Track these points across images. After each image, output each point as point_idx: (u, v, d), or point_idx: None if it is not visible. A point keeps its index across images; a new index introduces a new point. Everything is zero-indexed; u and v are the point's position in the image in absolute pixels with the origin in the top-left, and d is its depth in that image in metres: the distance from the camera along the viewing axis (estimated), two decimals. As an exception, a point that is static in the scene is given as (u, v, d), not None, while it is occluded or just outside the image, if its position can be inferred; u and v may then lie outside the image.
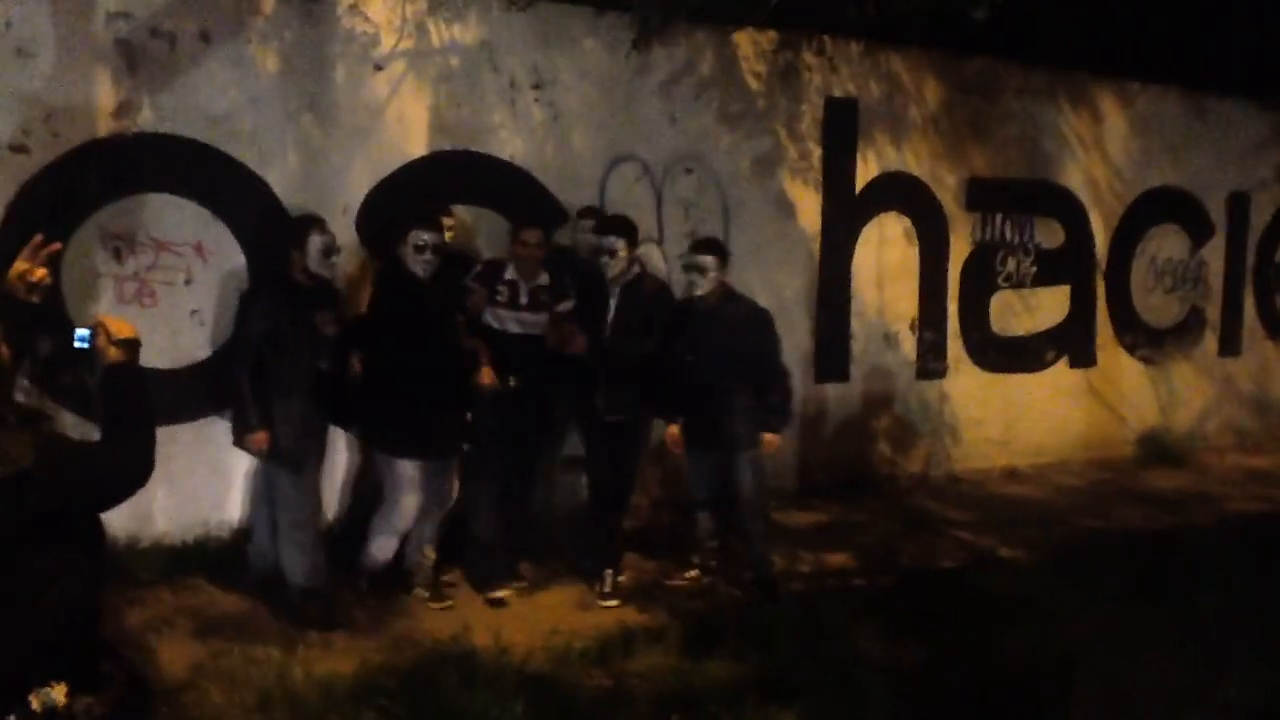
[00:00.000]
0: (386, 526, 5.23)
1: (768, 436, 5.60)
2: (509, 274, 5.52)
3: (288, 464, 5.03)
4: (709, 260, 5.60)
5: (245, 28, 5.73)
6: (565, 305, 5.61)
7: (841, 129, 7.66)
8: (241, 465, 5.87)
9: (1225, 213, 9.77)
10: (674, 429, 5.72)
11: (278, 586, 5.13)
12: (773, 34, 7.22)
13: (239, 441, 5.11)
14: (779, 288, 7.39)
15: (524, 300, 5.51)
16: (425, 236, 5.16)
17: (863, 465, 7.92)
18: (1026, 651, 4.70)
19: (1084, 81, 8.77)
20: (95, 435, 2.42)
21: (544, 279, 5.55)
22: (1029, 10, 7.22)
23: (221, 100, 5.70)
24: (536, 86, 6.49)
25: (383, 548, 5.28)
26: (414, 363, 5.09)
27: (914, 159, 8.00)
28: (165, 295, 5.67)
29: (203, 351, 5.76)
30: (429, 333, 5.18)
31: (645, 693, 4.30)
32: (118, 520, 5.09)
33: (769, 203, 7.38)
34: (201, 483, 5.80)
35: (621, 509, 5.87)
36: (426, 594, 5.33)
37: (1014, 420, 8.52)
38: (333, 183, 6.00)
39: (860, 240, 7.80)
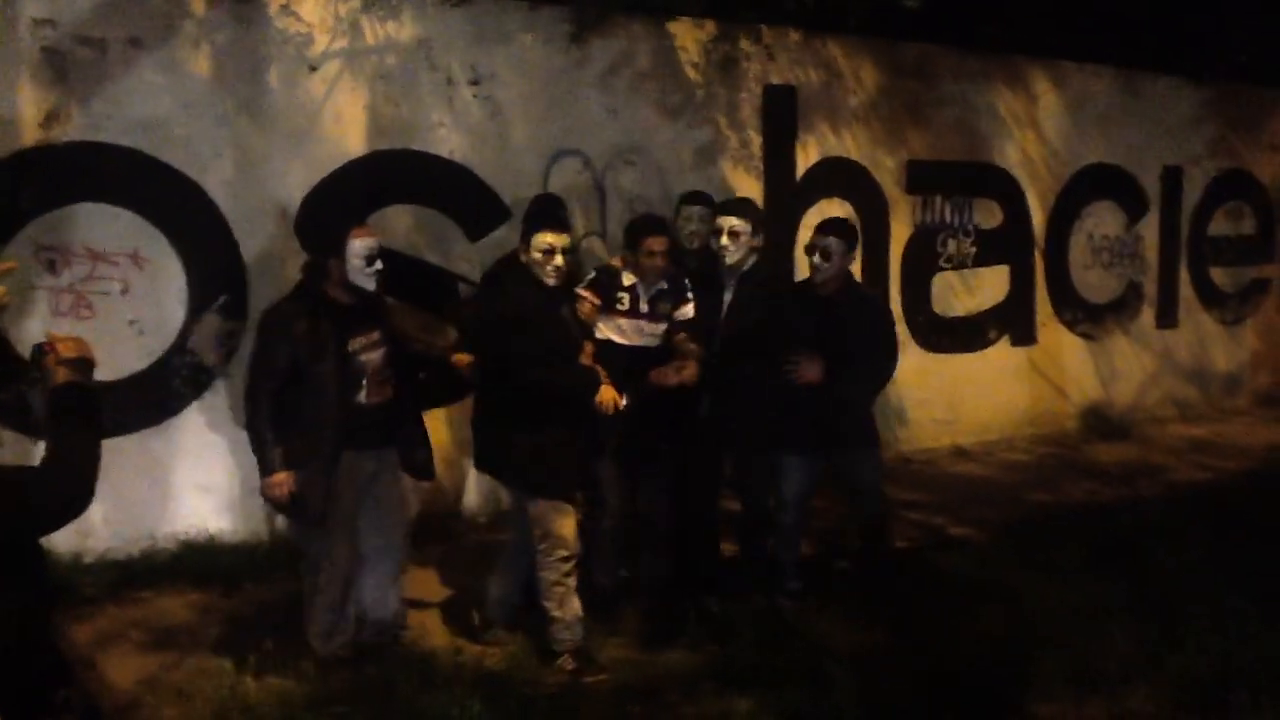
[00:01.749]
0: (564, 577, 4.49)
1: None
2: (627, 280, 4.91)
3: (312, 515, 4.28)
4: (834, 243, 5.03)
5: (176, 32, 5.65)
6: (685, 312, 4.96)
7: (781, 117, 7.70)
8: (185, 476, 5.81)
9: (1159, 188, 9.95)
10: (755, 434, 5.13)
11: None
12: (710, 24, 7.24)
13: (262, 489, 4.32)
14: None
15: (644, 309, 4.90)
16: (550, 240, 4.41)
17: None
18: (984, 628, 4.77)
19: (1018, 63, 8.88)
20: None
21: (662, 284, 4.93)
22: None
23: (154, 106, 5.62)
24: (474, 83, 6.46)
25: (572, 603, 4.51)
26: (560, 390, 4.46)
27: (853, 144, 8.06)
28: (102, 306, 5.58)
29: (142, 362, 5.69)
30: (569, 350, 4.56)
31: (604, 686, 4.31)
32: (60, 536, 4.99)
33: (712, 192, 7.32)
34: (145, 495, 5.74)
35: (715, 532, 5.41)
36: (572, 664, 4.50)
37: (959, 399, 8.64)
38: (271, 186, 5.93)
39: (803, 226, 7.82)
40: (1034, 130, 9.05)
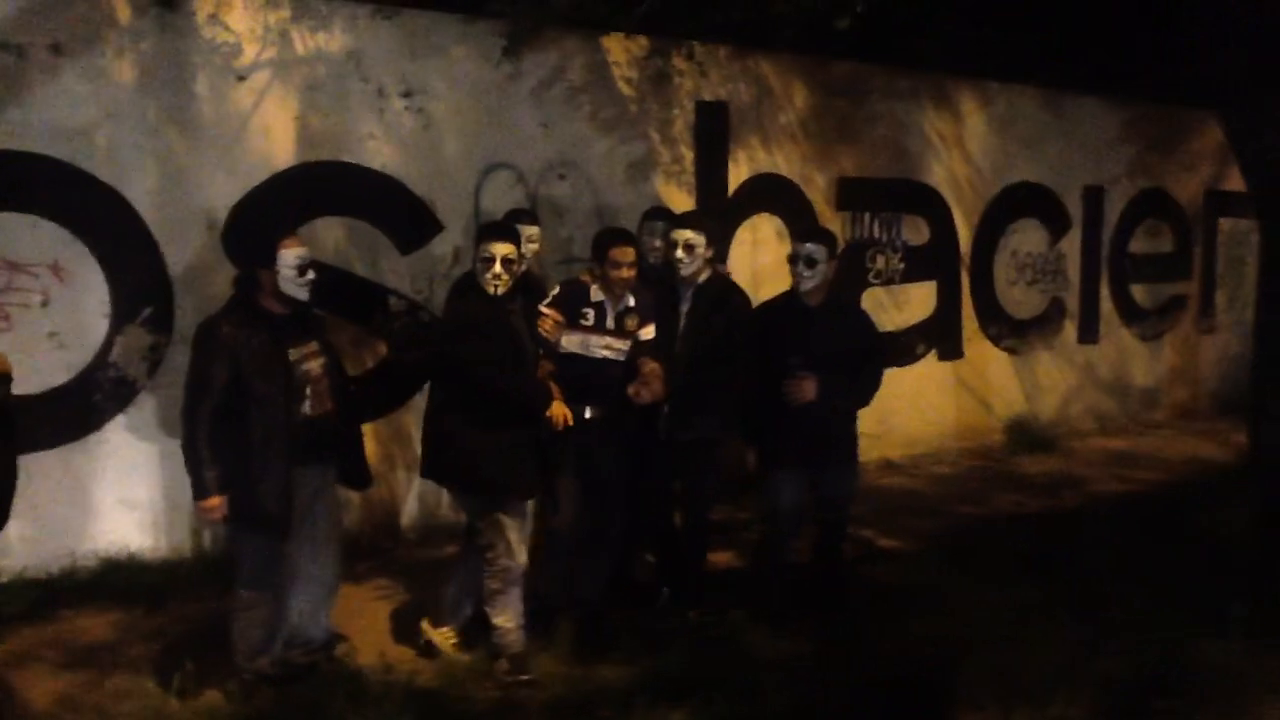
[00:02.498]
0: (507, 585, 4.57)
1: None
2: (594, 295, 4.90)
3: (268, 531, 4.19)
4: (820, 251, 5.00)
5: (100, 39, 5.54)
6: (648, 332, 4.98)
7: (713, 133, 7.76)
8: (107, 493, 5.69)
9: (1081, 206, 10.20)
10: (751, 450, 5.22)
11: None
12: (642, 39, 7.28)
13: (196, 511, 4.27)
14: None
15: (610, 324, 4.90)
16: (492, 249, 4.47)
17: (742, 464, 8.01)
18: (913, 638, 4.83)
19: (946, 82, 9.05)
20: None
21: (629, 300, 4.93)
22: (891, 16, 7.41)
23: (77, 114, 5.50)
24: (406, 95, 6.42)
25: (515, 610, 4.60)
26: (507, 395, 4.50)
27: (784, 161, 8.15)
28: (20, 318, 5.45)
29: (62, 376, 5.56)
30: (515, 359, 4.57)
31: (537, 700, 4.30)
32: (-24, 555, 4.90)
33: (644, 207, 7.36)
34: (65, 512, 5.60)
35: (703, 538, 5.41)
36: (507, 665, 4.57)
37: (888, 413, 8.74)
38: (197, 197, 5.84)
39: (735, 242, 7.90)
40: (961, 149, 9.23)
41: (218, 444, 4.10)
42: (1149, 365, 10.99)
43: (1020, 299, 9.82)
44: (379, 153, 6.37)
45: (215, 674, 4.36)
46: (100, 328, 5.65)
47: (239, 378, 4.08)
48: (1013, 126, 9.55)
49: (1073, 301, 10.26)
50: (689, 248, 5.07)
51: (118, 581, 5.52)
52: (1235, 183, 11.02)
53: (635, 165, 7.38)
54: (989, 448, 9.35)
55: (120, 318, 5.69)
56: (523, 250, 4.84)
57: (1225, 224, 11.52)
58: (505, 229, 4.67)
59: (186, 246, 5.82)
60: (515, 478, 4.51)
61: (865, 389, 5.17)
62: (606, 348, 4.90)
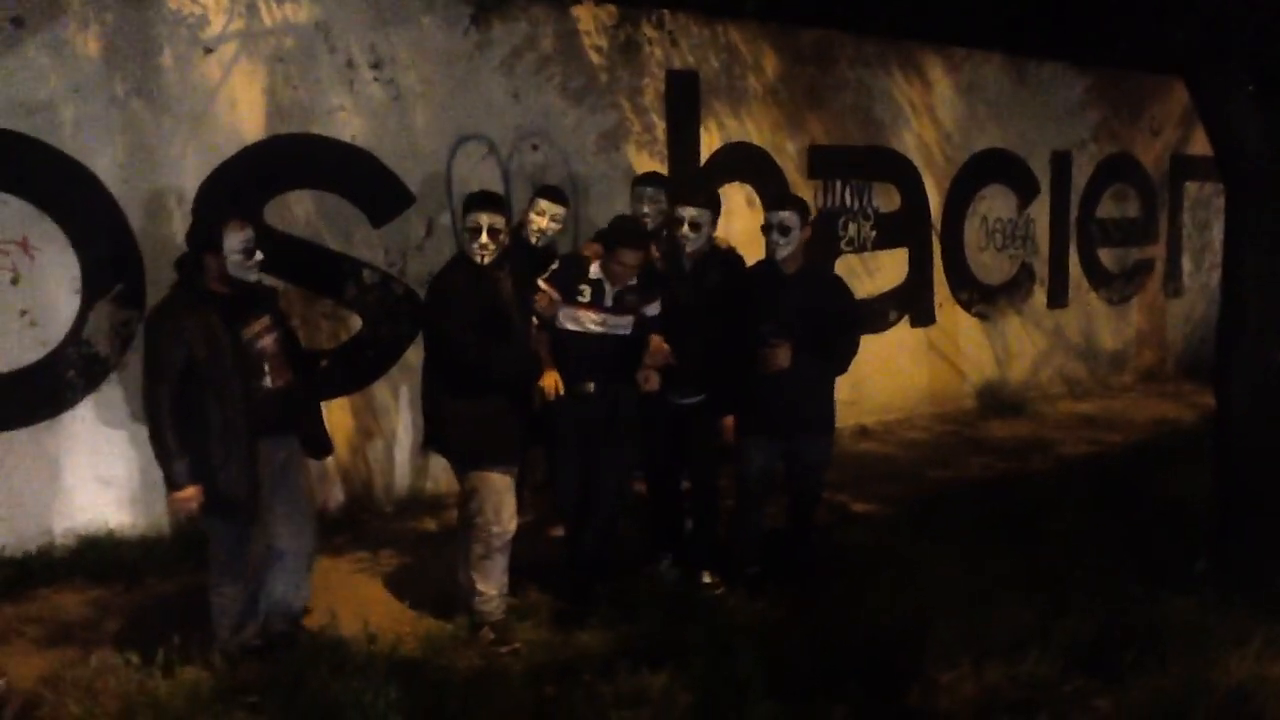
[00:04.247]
0: (491, 551, 4.63)
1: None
2: (594, 273, 4.86)
3: (240, 514, 4.22)
4: (793, 218, 5.00)
5: (63, 12, 5.47)
6: (653, 308, 4.98)
7: (684, 101, 7.75)
8: (82, 470, 5.66)
9: (1049, 172, 10.28)
10: (730, 419, 5.16)
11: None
12: (612, 8, 7.25)
13: (169, 504, 4.26)
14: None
15: (609, 303, 4.87)
16: (477, 219, 4.52)
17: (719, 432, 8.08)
18: (886, 600, 4.89)
19: (913, 50, 9.07)
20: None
21: (632, 279, 4.88)
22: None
23: (41, 88, 5.43)
24: (375, 66, 6.38)
25: (498, 577, 4.67)
26: (493, 364, 4.53)
27: (755, 129, 8.16)
28: (-10, 296, 5.40)
29: (34, 354, 5.52)
30: (500, 328, 4.59)
31: (519, 668, 4.34)
32: (-47, 534, 4.88)
33: (616, 177, 7.42)
34: (40, 490, 5.58)
35: (714, 500, 5.41)
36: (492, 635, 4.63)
37: (861, 380, 8.80)
38: (166, 171, 5.79)
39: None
40: (930, 116, 9.27)
41: (183, 432, 4.08)
42: (1117, 329, 11.12)
43: (990, 265, 9.91)
44: (349, 124, 6.33)
45: (198, 648, 4.36)
46: (72, 305, 5.61)
47: (193, 362, 4.06)
48: (980, 93, 9.60)
49: (1041, 267, 10.36)
50: (696, 225, 5.05)
51: (96, 559, 5.50)
52: (1200, 147, 11.15)
53: (607, 135, 7.37)
54: (960, 412, 9.45)
55: (91, 294, 5.64)
56: (544, 227, 5.00)
57: (1191, 188, 11.65)
58: (489, 199, 4.71)
59: (156, 221, 5.77)
60: (497, 444, 4.57)
61: (843, 356, 5.19)
62: (603, 324, 4.88)
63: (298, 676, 4.10)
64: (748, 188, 8.14)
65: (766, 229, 5.10)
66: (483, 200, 4.65)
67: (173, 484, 4.11)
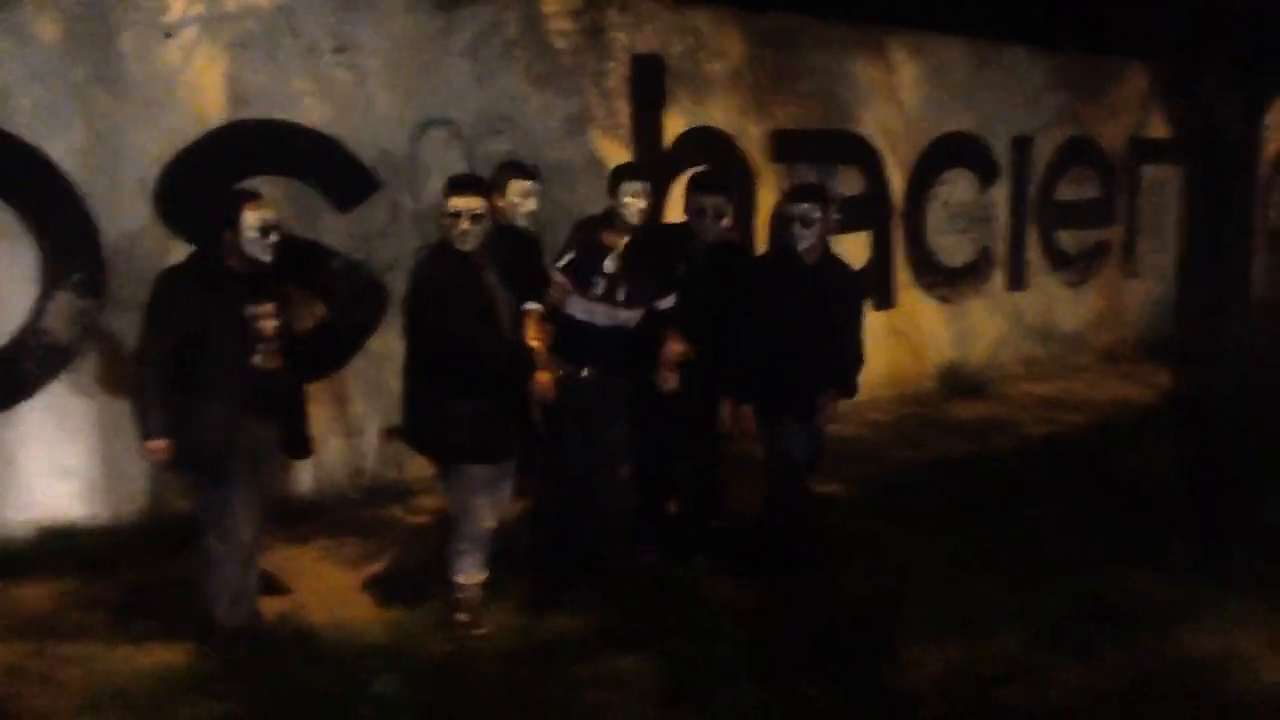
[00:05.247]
0: (473, 548, 4.59)
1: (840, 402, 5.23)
2: (609, 266, 4.86)
3: (211, 474, 4.27)
4: (814, 210, 4.97)
5: (19, -5, 5.38)
6: (667, 302, 5.01)
7: (649, 86, 7.74)
8: (41, 461, 5.60)
9: (1009, 155, 10.36)
10: (748, 408, 5.11)
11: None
12: (576, -9, 7.23)
13: (140, 450, 4.31)
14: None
15: (621, 297, 4.90)
16: (456, 204, 4.43)
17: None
18: (856, 581, 4.96)
19: (877, 34, 9.11)
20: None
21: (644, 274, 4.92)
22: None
23: (-3, 74, 5.35)
24: (339, 50, 6.32)
25: (477, 570, 4.62)
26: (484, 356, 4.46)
27: (720, 113, 8.17)
28: (-53, 284, 5.32)
29: (-8, 340, 5.45)
30: (484, 316, 4.50)
31: (491, 652, 4.35)
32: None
33: (582, 161, 7.41)
34: None
35: (717, 491, 5.52)
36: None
37: (826, 363, 8.89)
38: (126, 158, 5.72)
39: (672, 195, 7.92)
40: (892, 99, 9.31)
41: (168, 388, 4.14)
42: (1075, 310, 11.26)
43: (951, 247, 9.98)
44: (312, 109, 6.28)
45: (163, 637, 4.35)
46: (29, 294, 5.54)
47: (194, 328, 4.13)
48: (943, 77, 9.66)
49: (1001, 249, 10.45)
50: (719, 214, 5.10)
51: (57, 551, 5.44)
52: (1157, 130, 11.32)
53: (572, 119, 7.35)
54: (922, 394, 9.54)
55: (50, 283, 5.57)
56: (532, 209, 4.90)
57: (1148, 171, 11.78)
58: (468, 181, 4.64)
59: (118, 209, 5.71)
60: (481, 442, 4.49)
61: (859, 355, 5.34)
62: (612, 318, 4.91)
63: (267, 664, 4.10)
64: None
65: (787, 220, 5.05)
66: (463, 184, 4.58)
67: (147, 433, 4.17)
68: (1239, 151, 5.92)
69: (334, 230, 6.43)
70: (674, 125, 7.92)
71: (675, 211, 7.76)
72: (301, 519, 6.00)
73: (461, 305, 4.41)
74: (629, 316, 4.95)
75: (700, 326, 5.07)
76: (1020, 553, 5.26)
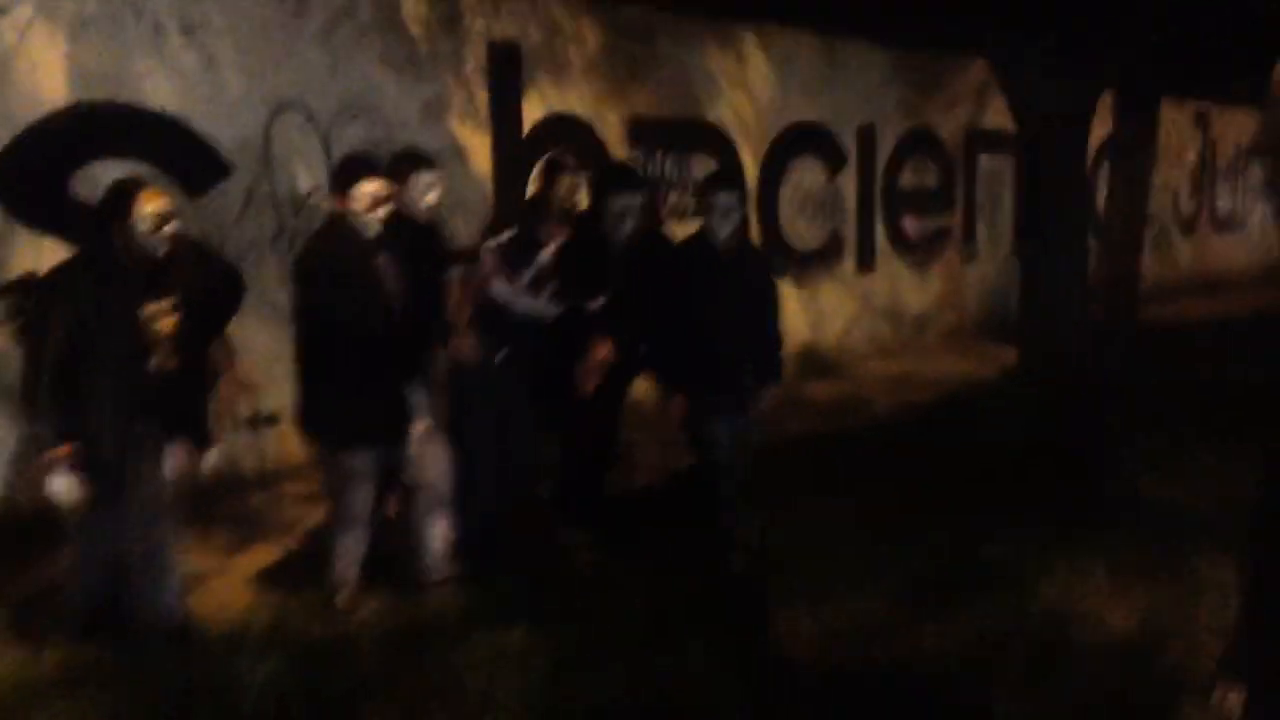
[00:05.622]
0: (345, 530, 4.51)
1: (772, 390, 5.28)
2: (543, 258, 4.87)
3: (108, 481, 3.99)
4: (734, 200, 5.01)
5: None
6: (598, 303, 5.02)
7: (506, 73, 7.74)
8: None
9: (855, 144, 10.73)
10: (681, 398, 5.04)
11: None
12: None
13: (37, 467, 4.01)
14: (453, 232, 7.42)
15: (548, 292, 4.94)
16: (369, 188, 4.31)
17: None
18: (727, 553, 5.08)
19: (730, 28, 9.30)
20: None
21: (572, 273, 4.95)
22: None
23: None
24: (186, 31, 6.12)
25: (353, 554, 4.52)
26: (345, 335, 4.32)
27: (578, 101, 8.22)
28: None
29: None
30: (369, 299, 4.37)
31: (375, 633, 4.30)
32: None
33: (440, 148, 7.32)
34: None
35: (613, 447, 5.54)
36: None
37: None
38: (-42, 140, 5.43)
39: (530, 182, 7.93)
40: (745, 90, 9.53)
41: (61, 393, 3.89)
42: (920, 292, 11.73)
43: (803, 232, 10.28)
44: (158, 92, 6.06)
45: (24, 640, 4.16)
46: None
47: (81, 331, 3.87)
48: (792, 70, 9.93)
49: (850, 234, 10.81)
50: (624, 212, 5.03)
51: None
52: (992, 121, 11.88)
53: (429, 106, 7.29)
54: (779, 376, 9.76)
55: (-123, 273, 5.25)
56: (434, 201, 4.76)
57: (984, 160, 12.35)
58: (375, 165, 4.53)
59: (-50, 194, 5.41)
60: (353, 425, 4.40)
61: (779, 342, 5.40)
62: (534, 310, 4.93)
63: (155, 660, 3.96)
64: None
65: (709, 210, 5.06)
66: (372, 167, 4.47)
67: (43, 441, 3.91)
68: (1069, 140, 6.31)
69: (184, 216, 6.20)
70: (532, 112, 7.93)
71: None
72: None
73: (351, 287, 4.32)
74: (550, 311, 4.97)
75: (626, 318, 5.07)
76: (883, 520, 5.46)
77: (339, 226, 4.42)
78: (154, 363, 4.04)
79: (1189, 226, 16.72)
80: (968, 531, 5.33)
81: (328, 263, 4.37)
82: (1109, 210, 11.08)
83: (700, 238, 5.13)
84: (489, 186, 7.70)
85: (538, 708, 3.73)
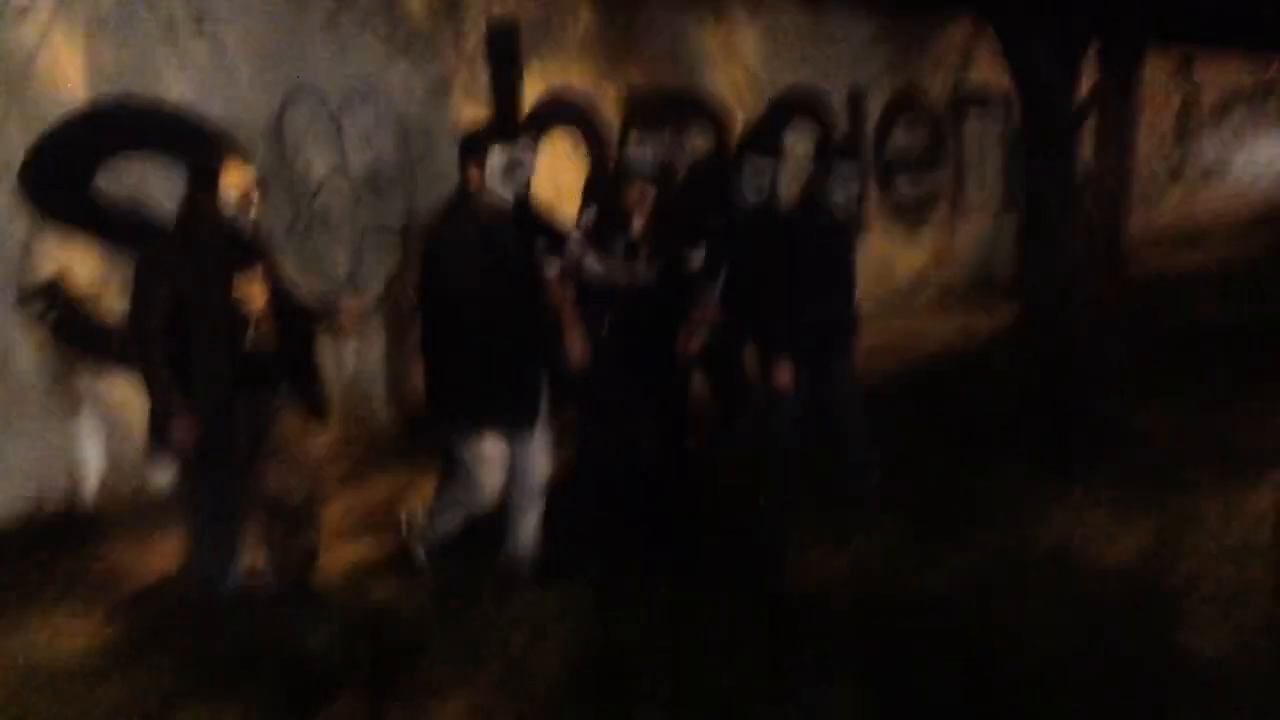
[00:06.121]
0: (457, 502, 4.60)
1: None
2: (635, 225, 5.00)
3: (212, 462, 4.11)
4: (854, 169, 5.25)
5: None
6: (696, 259, 5.15)
7: (505, 50, 7.88)
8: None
9: (846, 107, 10.88)
10: (789, 365, 5.09)
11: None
12: (429, -41, 7.30)
13: (160, 436, 4.04)
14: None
15: (643, 256, 5.05)
16: (514, 153, 4.40)
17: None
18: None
19: (718, -5, 9.46)
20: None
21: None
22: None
23: None
24: (197, 22, 6.26)
25: (448, 522, 4.65)
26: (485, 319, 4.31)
27: (576, 76, 8.36)
28: None
29: None
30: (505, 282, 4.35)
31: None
32: None
33: (445, 128, 7.51)
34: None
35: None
36: None
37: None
38: (-14, 140, 5.57)
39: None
40: (736, 57, 9.67)
41: (169, 369, 3.99)
42: (914, 251, 11.92)
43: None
44: (174, 85, 6.20)
45: (83, 618, 4.35)
46: (-107, 284, 5.37)
47: (180, 302, 3.99)
48: (782, 35, 10.07)
49: (844, 197, 10.94)
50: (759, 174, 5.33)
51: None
52: (980, 76, 12.05)
53: (434, 86, 7.44)
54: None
55: (-87, 272, 5.41)
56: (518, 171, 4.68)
57: (972, 117, 12.52)
58: (494, 136, 4.58)
59: (-19, 193, 5.56)
60: (494, 407, 4.45)
61: None
62: (633, 277, 5.04)
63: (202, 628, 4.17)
64: (572, 134, 8.36)
65: (824, 179, 5.27)
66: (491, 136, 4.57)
67: (168, 413, 3.98)
68: (1058, 95, 6.47)
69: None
70: (532, 88, 8.08)
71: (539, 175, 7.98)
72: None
73: (494, 264, 4.31)
74: (649, 276, 5.08)
75: (738, 286, 5.20)
76: (892, 463, 5.69)
77: (476, 203, 4.40)
78: (251, 335, 4.14)
79: (1175, 175, 16.93)
80: (976, 468, 5.59)
81: (470, 239, 4.31)
82: (1096, 162, 11.27)
83: (809, 205, 5.33)
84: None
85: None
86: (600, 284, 5.04)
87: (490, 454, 4.47)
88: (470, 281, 4.27)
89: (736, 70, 9.66)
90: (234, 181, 4.12)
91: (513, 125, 7.44)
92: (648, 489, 5.40)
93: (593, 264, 5.02)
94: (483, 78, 7.78)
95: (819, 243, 5.19)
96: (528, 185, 4.91)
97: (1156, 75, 14.85)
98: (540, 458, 4.56)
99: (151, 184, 6.16)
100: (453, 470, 4.66)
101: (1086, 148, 11.71)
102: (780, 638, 4.06)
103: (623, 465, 5.22)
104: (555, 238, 5.07)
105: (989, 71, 11.89)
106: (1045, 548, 4.82)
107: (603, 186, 5.28)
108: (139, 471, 5.89)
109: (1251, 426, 6.24)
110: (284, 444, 4.35)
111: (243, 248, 4.20)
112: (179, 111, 6.20)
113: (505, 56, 7.88)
